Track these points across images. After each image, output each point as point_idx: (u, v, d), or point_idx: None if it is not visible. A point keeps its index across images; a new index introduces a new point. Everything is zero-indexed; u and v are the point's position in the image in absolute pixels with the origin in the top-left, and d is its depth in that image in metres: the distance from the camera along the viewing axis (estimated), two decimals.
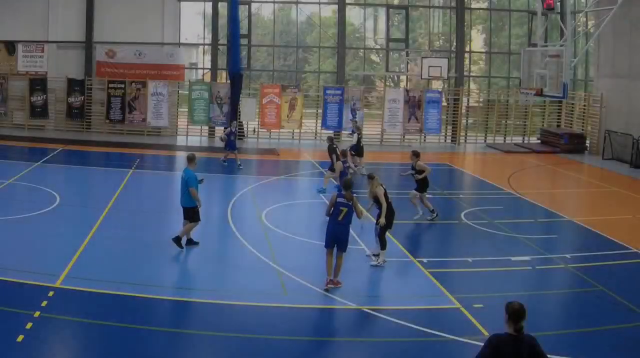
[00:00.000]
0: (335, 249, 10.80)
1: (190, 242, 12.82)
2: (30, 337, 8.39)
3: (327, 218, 10.93)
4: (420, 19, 33.78)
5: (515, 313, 5.86)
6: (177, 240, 12.54)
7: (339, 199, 10.75)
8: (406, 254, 12.88)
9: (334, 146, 18.68)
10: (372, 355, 8.81)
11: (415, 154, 15.74)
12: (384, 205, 12.16)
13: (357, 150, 21.11)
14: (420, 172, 15.53)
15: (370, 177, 12.60)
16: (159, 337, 8.87)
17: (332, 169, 18.43)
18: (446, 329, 9.31)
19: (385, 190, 12.38)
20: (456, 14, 30.89)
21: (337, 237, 10.72)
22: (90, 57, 28.98)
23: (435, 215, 15.53)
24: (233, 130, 22.39)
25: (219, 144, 28.72)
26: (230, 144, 22.06)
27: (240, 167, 21.73)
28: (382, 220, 12.01)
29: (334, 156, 18.19)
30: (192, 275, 11.85)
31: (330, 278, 10.75)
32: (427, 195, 15.88)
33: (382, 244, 12.16)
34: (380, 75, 34.04)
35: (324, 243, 10.94)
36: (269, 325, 9.41)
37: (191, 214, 12.65)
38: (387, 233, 12.42)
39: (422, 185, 15.62)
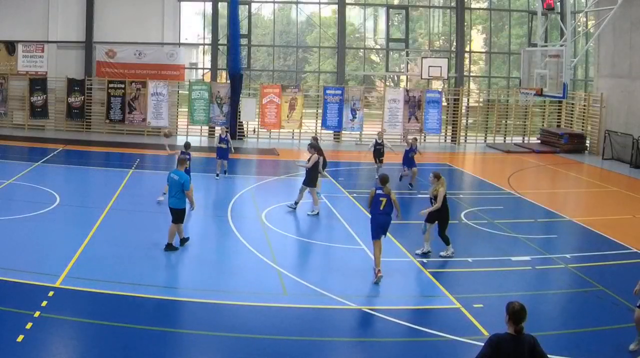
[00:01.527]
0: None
1: (170, 247, 12.54)
2: (30, 337, 8.39)
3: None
4: (420, 19, 33.78)
5: (516, 314, 5.86)
6: (168, 246, 12.43)
7: (377, 191, 11.58)
8: (406, 254, 12.88)
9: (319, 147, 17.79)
10: (372, 355, 8.81)
11: (313, 146, 16.14)
12: (438, 205, 12.59)
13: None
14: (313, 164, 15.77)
15: (437, 177, 12.89)
16: (158, 337, 8.86)
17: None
18: (446, 329, 9.31)
19: (445, 192, 12.86)
20: (456, 14, 30.90)
21: (384, 226, 11.51)
22: (90, 57, 28.99)
23: (295, 206, 15.93)
24: (223, 137, 19.69)
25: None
26: (219, 152, 19.65)
27: (217, 178, 19.66)
28: (424, 212, 12.74)
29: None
30: (192, 275, 11.81)
31: (378, 268, 11.31)
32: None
33: (445, 241, 12.81)
34: (380, 75, 34.05)
35: (371, 237, 11.58)
36: (269, 325, 9.40)
37: (180, 216, 12.40)
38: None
39: (311, 178, 15.94)
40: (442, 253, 12.83)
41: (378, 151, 20.49)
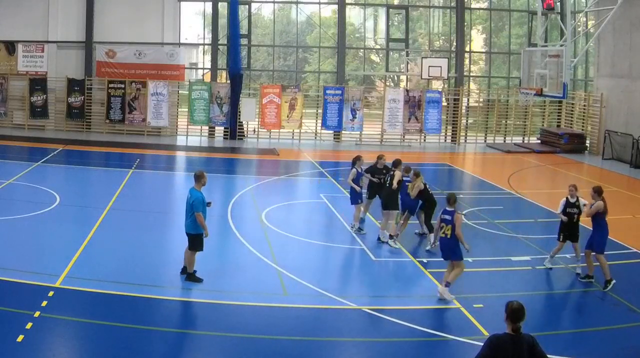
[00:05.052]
0: None
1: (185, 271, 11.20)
2: (30, 337, 8.39)
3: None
4: (420, 19, 33.78)
5: (514, 313, 5.87)
6: (190, 277, 10.97)
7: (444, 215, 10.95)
8: (406, 254, 12.89)
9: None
10: (372, 355, 8.81)
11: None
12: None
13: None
14: None
15: (416, 175, 13.60)
16: (158, 337, 8.86)
17: None
18: (446, 329, 9.32)
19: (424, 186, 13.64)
20: (456, 14, 30.89)
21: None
22: (90, 57, 28.97)
23: None
24: (359, 171, 14.43)
25: (219, 143, 28.74)
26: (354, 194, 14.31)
27: (362, 232, 14.29)
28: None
29: None
30: None
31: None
32: None
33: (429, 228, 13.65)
34: (380, 75, 34.04)
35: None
36: (269, 325, 9.41)
37: (195, 242, 10.99)
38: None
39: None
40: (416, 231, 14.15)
41: (571, 219, 12.08)
